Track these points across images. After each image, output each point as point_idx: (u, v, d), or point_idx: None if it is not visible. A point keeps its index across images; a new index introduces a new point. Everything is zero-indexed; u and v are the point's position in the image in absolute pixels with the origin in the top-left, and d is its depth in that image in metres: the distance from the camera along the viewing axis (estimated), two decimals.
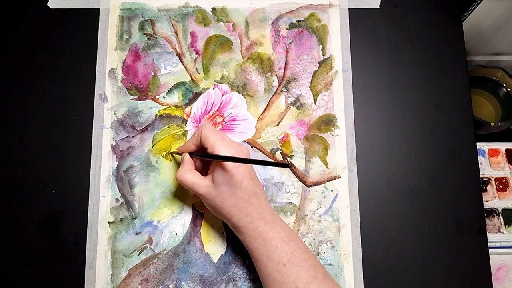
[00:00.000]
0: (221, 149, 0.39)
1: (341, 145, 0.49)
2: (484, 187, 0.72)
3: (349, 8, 0.53)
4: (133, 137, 0.48)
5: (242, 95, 0.50)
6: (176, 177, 0.42)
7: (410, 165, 0.49)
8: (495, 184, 0.72)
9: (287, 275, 0.38)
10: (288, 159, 0.49)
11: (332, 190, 0.48)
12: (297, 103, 0.50)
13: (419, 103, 0.51)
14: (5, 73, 0.50)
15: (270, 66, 0.51)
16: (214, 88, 0.50)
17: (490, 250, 0.57)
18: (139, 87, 0.50)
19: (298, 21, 0.52)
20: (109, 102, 0.49)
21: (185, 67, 0.51)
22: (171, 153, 0.48)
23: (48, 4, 0.52)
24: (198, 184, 0.40)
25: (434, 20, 0.54)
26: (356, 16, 0.53)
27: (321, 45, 0.52)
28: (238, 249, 0.46)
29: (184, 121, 0.49)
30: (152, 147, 0.48)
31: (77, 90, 0.50)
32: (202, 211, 0.47)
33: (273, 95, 0.50)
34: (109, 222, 0.46)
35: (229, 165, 0.38)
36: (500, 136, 0.81)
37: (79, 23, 0.51)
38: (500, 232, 0.69)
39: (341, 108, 0.50)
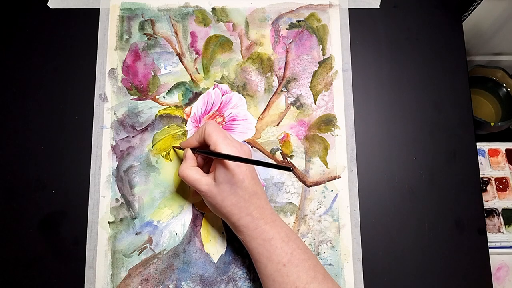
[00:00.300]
0: (223, 148, 0.39)
1: (341, 145, 0.49)
2: (484, 187, 0.72)
3: (349, 8, 0.53)
4: (133, 137, 0.48)
5: (242, 95, 0.50)
6: (179, 172, 0.42)
7: (410, 165, 0.49)
8: (495, 184, 0.72)
9: (287, 275, 0.38)
10: (288, 159, 0.49)
11: (332, 190, 0.48)
12: (297, 103, 0.50)
13: (419, 103, 0.51)
14: (5, 73, 0.50)
15: (270, 66, 0.51)
16: (214, 88, 0.50)
17: (490, 250, 0.57)
18: (139, 87, 0.50)
19: (298, 21, 0.52)
20: (109, 102, 0.49)
21: (185, 67, 0.51)
22: (173, 147, 0.48)
23: (48, 4, 0.52)
24: (200, 181, 0.40)
25: (434, 20, 0.54)
26: (356, 16, 0.53)
27: (321, 45, 0.52)
28: (238, 249, 0.46)
29: (184, 121, 0.49)
30: (152, 147, 0.48)
31: (77, 90, 0.50)
32: (202, 211, 0.47)
33: (273, 95, 0.50)
34: (109, 222, 0.46)
35: (231, 164, 0.38)
36: (500, 136, 0.82)
37: (79, 23, 0.51)
38: (500, 232, 0.69)
39: (341, 108, 0.50)
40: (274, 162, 0.48)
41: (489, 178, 0.73)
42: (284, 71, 0.51)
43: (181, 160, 0.48)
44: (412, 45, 0.53)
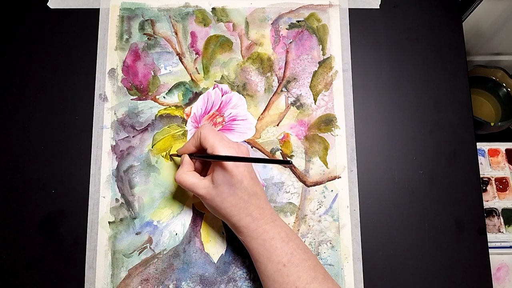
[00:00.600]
0: (221, 149, 0.39)
1: (341, 145, 0.49)
2: (484, 187, 0.72)
3: (349, 8, 0.53)
4: (133, 137, 0.48)
5: (242, 95, 0.50)
6: (175, 178, 0.42)
7: (410, 165, 0.49)
8: (495, 184, 0.72)
9: (287, 275, 0.38)
10: (288, 159, 0.49)
11: (332, 190, 0.48)
12: (297, 103, 0.50)
13: (419, 103, 0.51)
14: (5, 73, 0.50)
15: (270, 66, 0.51)
16: (214, 88, 0.50)
17: (490, 250, 0.57)
18: (139, 87, 0.50)
19: (298, 21, 0.52)
20: (109, 102, 0.49)
21: (185, 67, 0.51)
22: (170, 155, 0.48)
23: (48, 4, 0.52)
24: (198, 184, 0.40)
25: (434, 20, 0.54)
26: (356, 16, 0.53)
27: (321, 45, 0.52)
28: (238, 249, 0.46)
29: (184, 121, 0.49)
30: (152, 147, 0.48)
31: (77, 90, 0.50)
32: (202, 211, 0.47)
33: (273, 95, 0.50)
34: (109, 222, 0.46)
35: (229, 165, 0.38)
36: (500, 136, 0.82)
37: (79, 23, 0.51)
38: (500, 232, 0.69)
39: (341, 108, 0.50)
40: (273, 158, 0.48)
41: (489, 178, 0.73)
42: (284, 71, 0.51)
43: (179, 166, 0.47)
44: (412, 45, 0.53)
